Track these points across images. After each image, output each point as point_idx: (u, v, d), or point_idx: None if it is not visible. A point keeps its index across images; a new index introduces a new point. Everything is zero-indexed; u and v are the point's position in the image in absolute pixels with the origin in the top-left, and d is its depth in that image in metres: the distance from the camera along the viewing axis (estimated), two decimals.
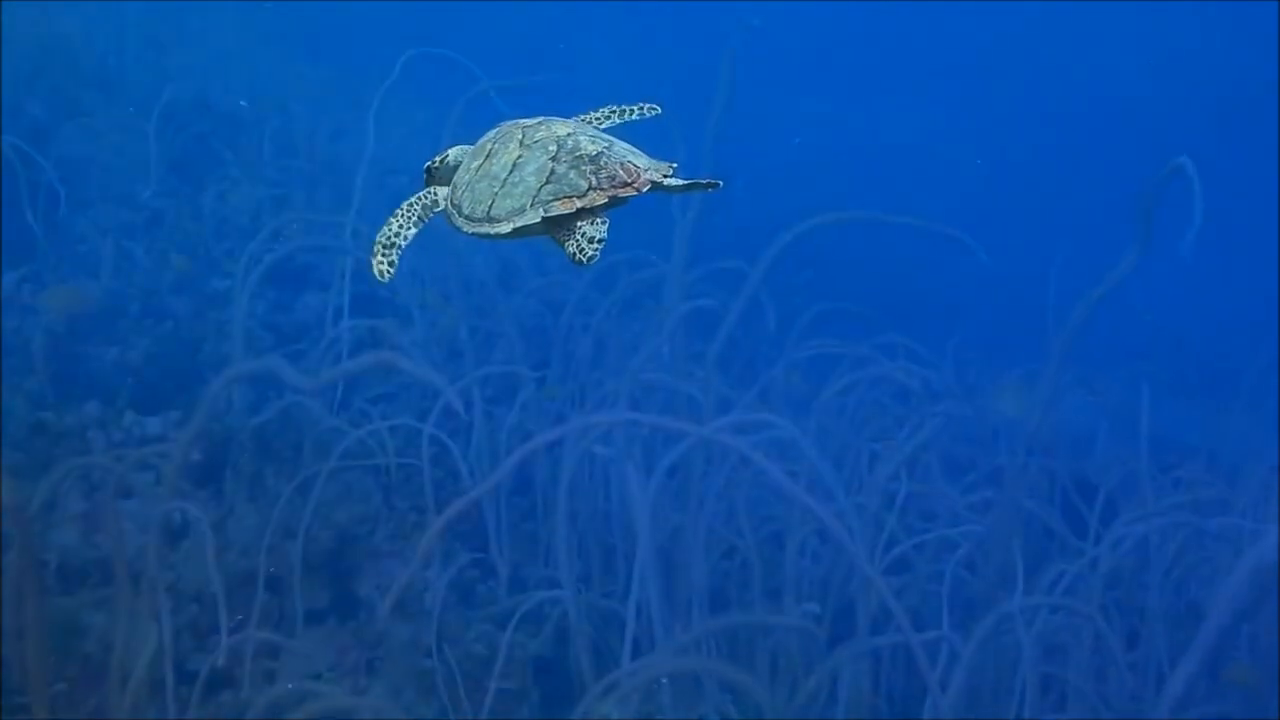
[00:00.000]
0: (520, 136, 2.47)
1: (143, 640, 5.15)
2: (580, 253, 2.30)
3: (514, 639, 6.18)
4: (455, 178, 2.55)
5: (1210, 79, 28.50)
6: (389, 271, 2.58)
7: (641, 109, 2.72)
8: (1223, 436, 9.85)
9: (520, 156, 2.42)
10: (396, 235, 2.59)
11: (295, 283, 10.06)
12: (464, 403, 7.26)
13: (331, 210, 10.15)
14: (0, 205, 9.42)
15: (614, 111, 2.71)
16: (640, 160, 2.42)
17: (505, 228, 2.37)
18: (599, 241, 2.30)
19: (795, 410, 8.08)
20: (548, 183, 2.35)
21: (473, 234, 2.43)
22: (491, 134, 2.56)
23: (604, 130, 2.63)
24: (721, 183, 2.46)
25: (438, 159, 2.66)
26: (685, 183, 2.45)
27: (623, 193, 2.34)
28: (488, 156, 2.48)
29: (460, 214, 2.46)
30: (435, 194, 2.63)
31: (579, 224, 2.32)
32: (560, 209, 2.32)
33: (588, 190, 2.33)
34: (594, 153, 2.38)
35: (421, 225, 2.62)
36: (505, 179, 2.40)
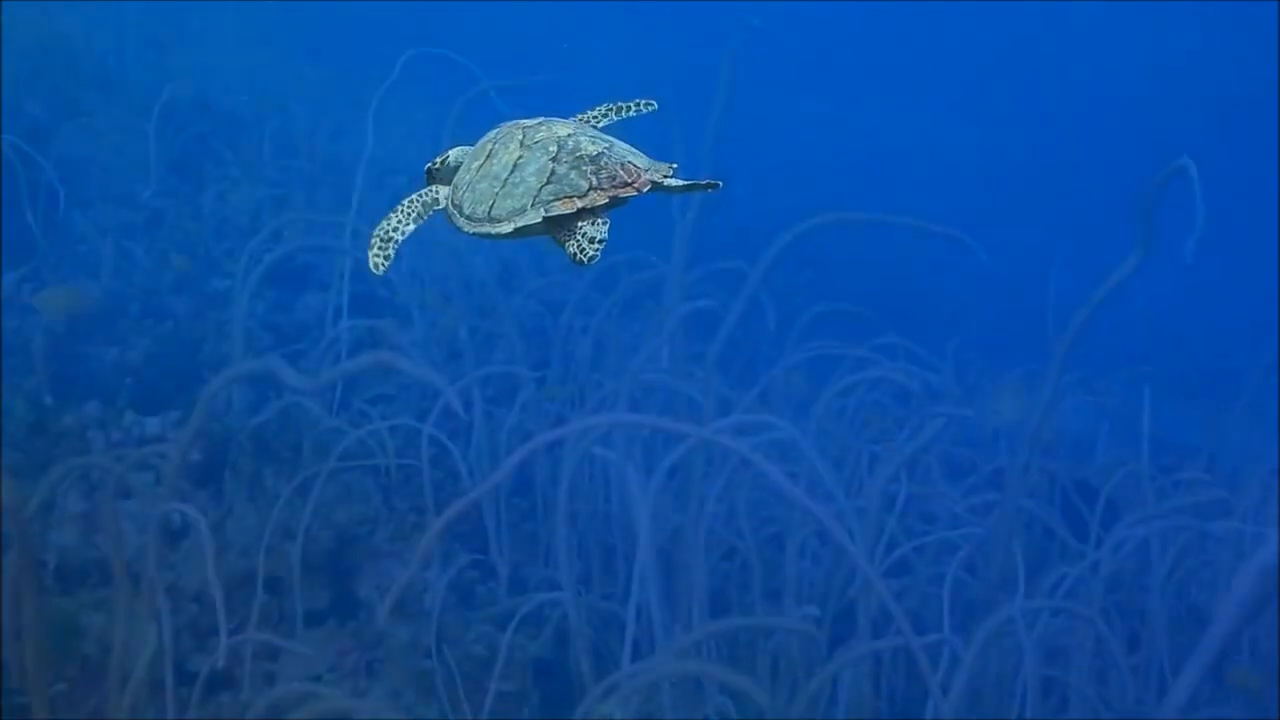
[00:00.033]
0: (521, 137, 2.47)
1: (142, 641, 5.14)
2: (581, 253, 2.30)
3: (514, 640, 6.17)
4: (456, 178, 2.55)
5: (1210, 80, 28.51)
6: (384, 264, 2.57)
7: (638, 105, 2.72)
8: (1223, 438, 9.85)
9: (521, 157, 2.42)
10: (395, 230, 2.59)
11: (295, 283, 10.05)
12: (464, 403, 7.25)
13: (331, 210, 10.15)
14: (0, 205, 9.41)
15: (611, 109, 2.71)
16: (640, 161, 2.42)
17: (506, 228, 2.36)
18: (600, 242, 2.30)
19: (795, 411, 8.08)
20: (548, 183, 2.35)
21: (474, 234, 2.43)
22: (492, 134, 2.56)
23: (602, 129, 2.64)
24: (721, 183, 2.46)
25: (438, 160, 2.66)
26: (685, 183, 2.46)
27: (623, 193, 2.35)
28: (488, 157, 2.48)
29: (461, 214, 2.46)
30: (436, 192, 2.63)
31: (580, 224, 2.32)
32: (561, 209, 2.32)
33: (588, 190, 2.33)
34: (594, 153, 2.38)
35: (420, 222, 2.62)
36: (506, 179, 2.40)
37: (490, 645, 6.57)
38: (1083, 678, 6.27)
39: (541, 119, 2.53)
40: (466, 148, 2.62)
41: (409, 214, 2.61)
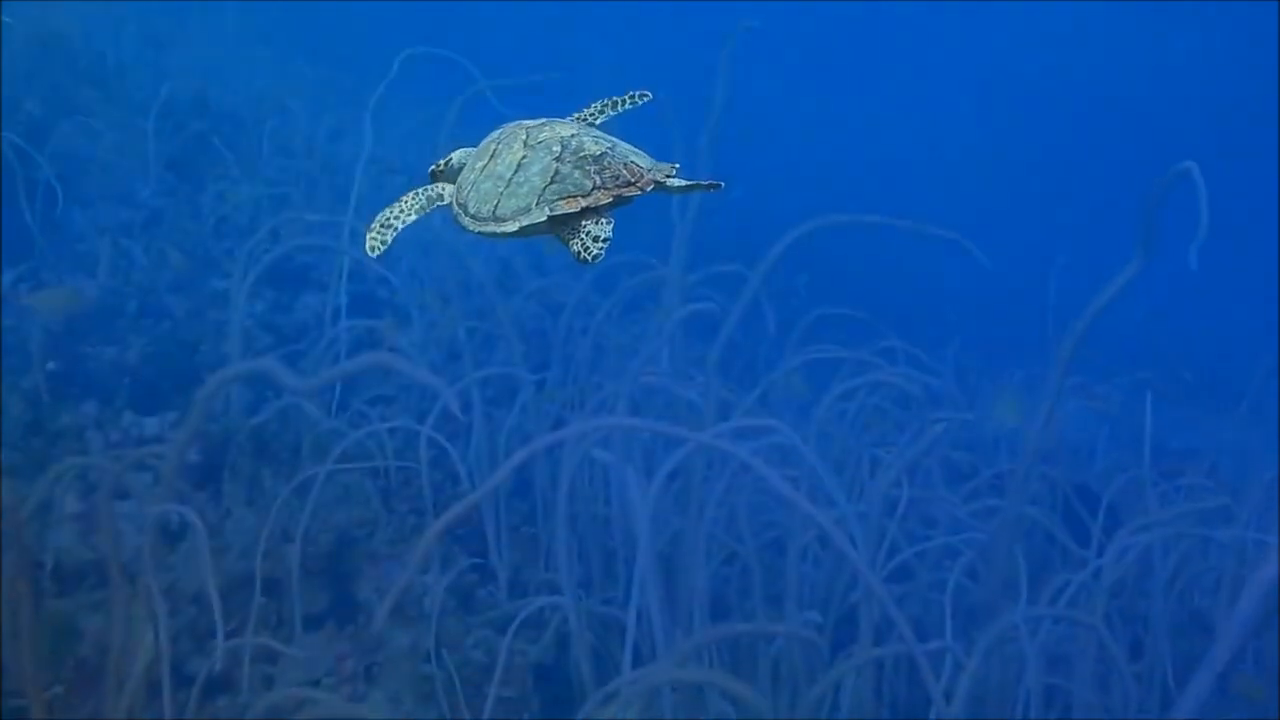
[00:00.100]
0: (524, 137, 2.51)
1: (139, 643, 5.11)
2: (585, 251, 2.34)
3: (514, 645, 6.14)
4: (460, 178, 2.59)
5: (1209, 84, 28.53)
6: (379, 248, 2.62)
7: (633, 98, 2.75)
8: (1224, 443, 9.84)
9: (525, 157, 2.46)
10: (396, 217, 2.64)
11: (294, 283, 10.03)
12: (463, 405, 7.23)
13: (330, 210, 10.13)
14: None
15: (607, 104, 2.75)
16: (643, 160, 2.46)
17: (511, 226, 2.40)
18: (604, 240, 2.34)
19: (796, 415, 8.06)
20: (552, 182, 2.39)
21: (479, 233, 2.47)
22: (495, 135, 2.60)
23: (600, 125, 2.69)
24: (722, 184, 2.52)
25: (442, 162, 2.72)
26: (687, 183, 2.51)
27: (626, 192, 2.39)
28: (492, 157, 2.52)
29: (466, 213, 2.50)
30: (441, 189, 2.68)
31: (584, 223, 2.36)
32: (565, 208, 2.36)
33: (592, 190, 2.37)
34: (598, 153, 2.42)
35: (422, 214, 2.67)
36: (510, 179, 2.43)
37: (490, 650, 6.56)
38: (1085, 685, 6.25)
39: (544, 119, 2.58)
40: (469, 149, 2.67)
41: (412, 205, 2.66)
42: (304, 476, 6.64)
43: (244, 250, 8.16)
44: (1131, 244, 5.97)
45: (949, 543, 7.01)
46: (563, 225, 2.38)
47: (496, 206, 2.42)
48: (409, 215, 2.64)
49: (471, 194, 2.49)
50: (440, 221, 2.62)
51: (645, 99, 2.74)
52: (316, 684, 6.27)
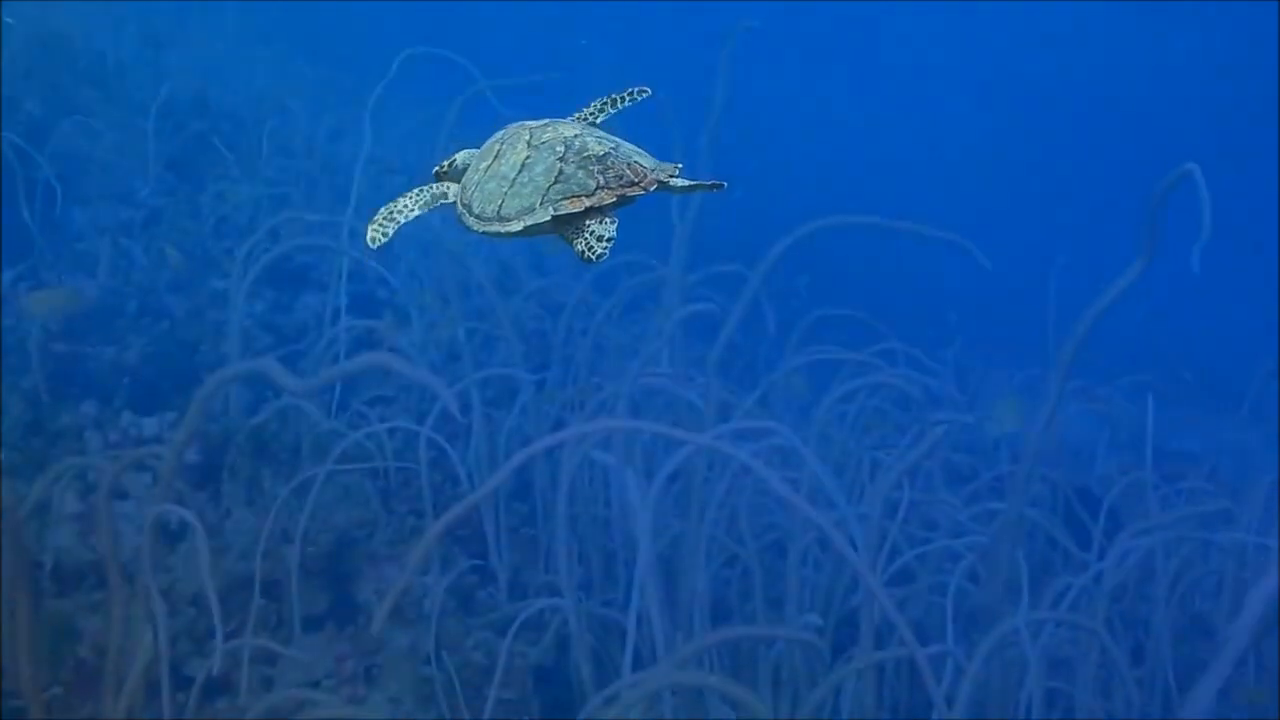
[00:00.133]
0: (528, 137, 2.53)
1: (138, 644, 5.10)
2: (589, 250, 2.35)
3: (514, 647, 6.14)
4: (464, 178, 2.61)
5: (1209, 86, 28.54)
6: (380, 240, 2.63)
7: (632, 94, 2.76)
8: (1225, 446, 9.84)
9: (529, 157, 2.48)
10: (399, 211, 2.66)
11: (294, 283, 10.02)
12: (462, 406, 7.22)
13: (330, 210, 10.12)
14: None
15: (606, 102, 2.75)
16: (646, 161, 2.48)
17: (516, 226, 2.42)
18: (608, 240, 2.36)
19: (796, 416, 8.06)
20: (556, 182, 2.41)
21: (483, 232, 2.49)
22: (499, 135, 2.62)
23: (600, 123, 2.71)
24: (725, 184, 2.55)
25: (445, 163, 2.73)
26: (690, 183, 2.54)
27: (630, 192, 2.40)
28: (496, 157, 2.53)
29: (470, 213, 2.52)
30: (445, 188, 2.69)
31: (588, 223, 2.38)
32: (569, 208, 2.38)
33: (596, 189, 2.38)
34: (601, 153, 2.43)
35: (425, 211, 2.69)
36: (514, 179, 2.45)
37: (490, 651, 6.55)
38: (1087, 690, 6.24)
39: (547, 120, 2.60)
40: (473, 150, 2.69)
41: (416, 201, 2.68)
42: (303, 477, 6.64)
43: (243, 250, 8.14)
44: (1132, 245, 5.96)
45: (950, 546, 7.00)
46: (567, 225, 2.40)
47: (501, 206, 2.43)
48: (412, 211, 2.67)
49: (476, 194, 2.50)
50: (440, 221, 2.63)
51: (645, 95, 2.76)
52: (316, 685, 6.26)
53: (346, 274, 8.29)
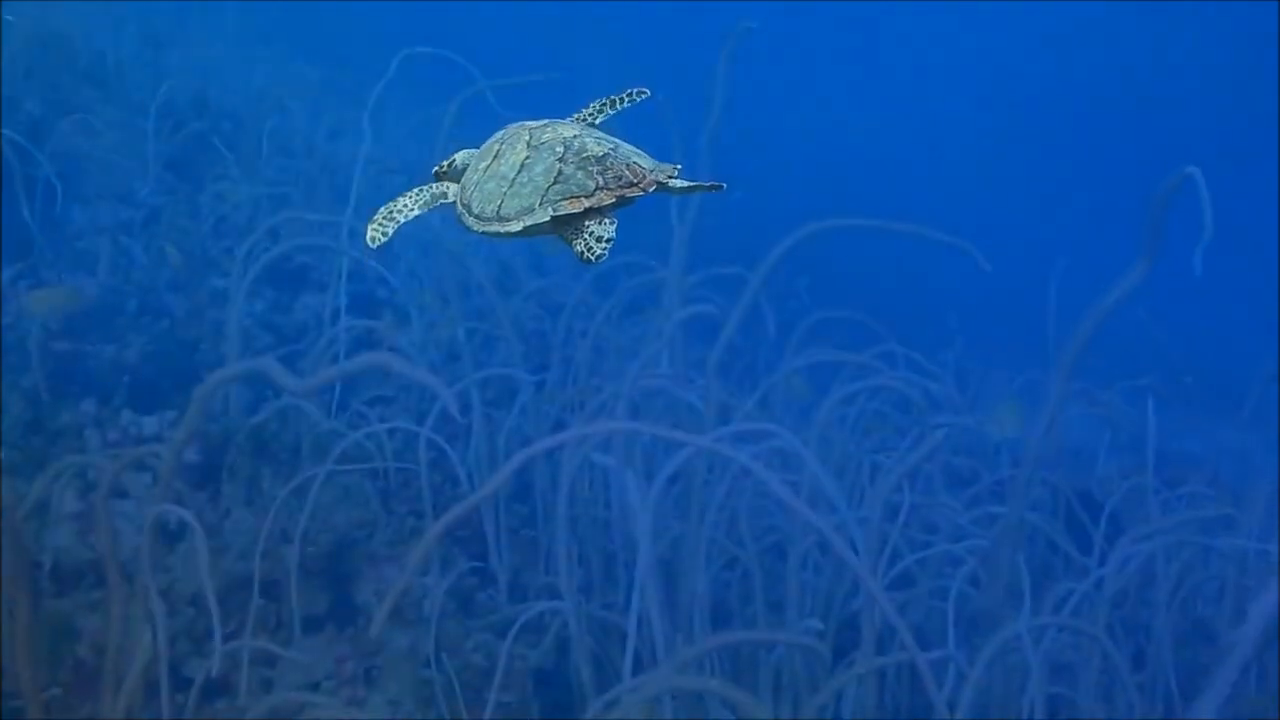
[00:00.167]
0: (527, 138, 2.53)
1: (137, 644, 5.09)
2: (589, 251, 2.36)
3: (514, 649, 6.13)
4: (464, 178, 2.61)
5: (1209, 85, 28.54)
6: (380, 239, 2.64)
7: (630, 95, 2.76)
8: (1226, 448, 9.83)
9: (528, 157, 2.48)
10: (399, 211, 2.67)
11: (294, 283, 10.02)
12: (462, 406, 7.22)
13: (329, 210, 10.11)
14: None
15: (605, 103, 2.76)
16: (646, 161, 2.48)
17: (515, 226, 2.42)
18: (607, 240, 2.36)
19: (796, 419, 8.04)
20: (556, 183, 2.41)
21: (482, 233, 2.49)
22: (498, 135, 2.62)
23: (599, 123, 2.72)
24: (724, 185, 2.56)
25: (445, 163, 2.74)
26: (689, 184, 2.54)
27: (629, 193, 2.41)
28: (495, 158, 2.54)
29: (470, 213, 2.52)
30: (445, 187, 2.70)
31: (587, 223, 2.38)
32: (569, 208, 2.38)
33: (595, 190, 2.39)
34: (600, 154, 2.44)
35: (424, 211, 2.69)
36: (514, 179, 2.46)
37: (490, 654, 6.54)
38: (1089, 695, 6.23)
39: (546, 120, 2.60)
40: (472, 150, 2.69)
41: (416, 200, 2.69)
42: (303, 477, 6.62)
43: (243, 250, 8.13)
44: (1133, 247, 5.94)
45: (951, 550, 6.99)
46: (566, 225, 2.40)
47: (500, 206, 2.44)
48: (412, 210, 2.67)
49: (475, 194, 2.51)
50: (440, 221, 2.63)
51: (643, 96, 2.76)
52: (315, 687, 6.25)
53: (346, 274, 8.28)
